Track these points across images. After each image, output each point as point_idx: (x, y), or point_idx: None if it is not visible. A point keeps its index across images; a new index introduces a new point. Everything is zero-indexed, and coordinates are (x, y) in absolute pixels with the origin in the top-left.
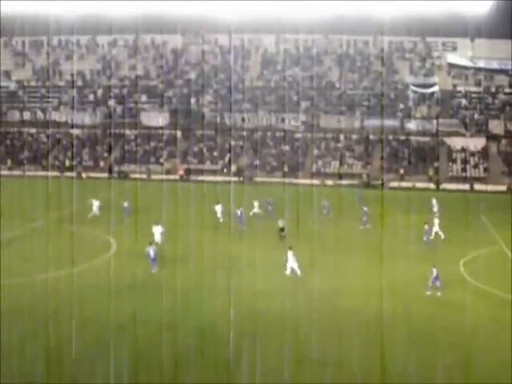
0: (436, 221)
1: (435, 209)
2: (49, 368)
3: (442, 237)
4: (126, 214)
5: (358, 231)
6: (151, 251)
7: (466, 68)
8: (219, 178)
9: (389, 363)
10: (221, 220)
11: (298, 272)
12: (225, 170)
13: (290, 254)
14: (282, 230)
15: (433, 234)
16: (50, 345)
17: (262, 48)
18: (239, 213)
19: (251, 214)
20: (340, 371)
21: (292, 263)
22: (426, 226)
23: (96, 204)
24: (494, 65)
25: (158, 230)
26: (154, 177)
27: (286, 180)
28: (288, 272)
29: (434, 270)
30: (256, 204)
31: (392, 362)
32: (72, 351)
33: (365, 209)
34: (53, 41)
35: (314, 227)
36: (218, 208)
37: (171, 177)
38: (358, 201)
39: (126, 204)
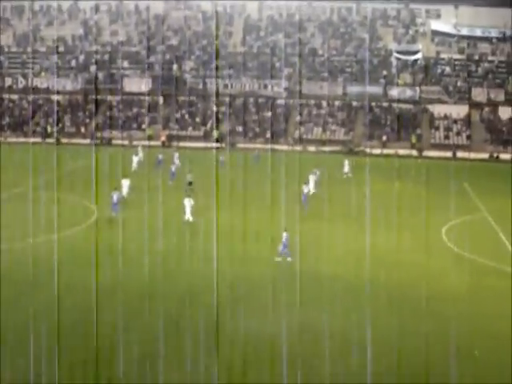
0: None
1: (346, 169)
2: (29, 334)
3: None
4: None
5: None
6: (114, 196)
7: (449, 35)
8: (201, 145)
9: (369, 331)
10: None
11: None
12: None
13: (284, 235)
14: (190, 184)
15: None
16: (30, 311)
17: (244, 14)
18: None
19: None
20: (320, 336)
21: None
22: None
23: (126, 184)
24: (478, 32)
25: (125, 183)
26: (135, 143)
27: (269, 146)
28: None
29: (285, 235)
30: None
31: (372, 330)
32: (53, 317)
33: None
34: (34, 6)
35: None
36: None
37: (153, 143)
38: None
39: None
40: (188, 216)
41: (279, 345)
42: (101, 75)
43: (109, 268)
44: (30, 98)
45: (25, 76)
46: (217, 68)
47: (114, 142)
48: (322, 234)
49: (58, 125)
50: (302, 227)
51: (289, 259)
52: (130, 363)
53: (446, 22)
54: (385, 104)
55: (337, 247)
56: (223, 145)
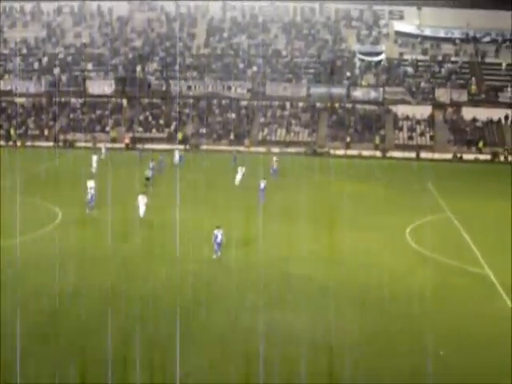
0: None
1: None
2: None
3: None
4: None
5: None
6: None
7: (412, 36)
8: (165, 147)
9: (335, 333)
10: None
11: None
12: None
13: (218, 232)
14: (148, 179)
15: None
16: None
17: (208, 15)
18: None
19: None
20: (286, 339)
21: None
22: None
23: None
24: (441, 33)
25: (90, 184)
26: (99, 145)
27: (232, 148)
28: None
29: (217, 233)
30: None
31: (335, 331)
32: (17, 320)
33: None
34: None
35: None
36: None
37: (117, 145)
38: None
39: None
40: (141, 213)
41: (240, 345)
42: (64, 77)
43: (72, 270)
44: None
45: None
46: (180, 70)
47: (77, 144)
48: (282, 235)
49: (21, 127)
50: (257, 228)
51: (214, 257)
52: (93, 365)
53: (409, 23)
54: (348, 105)
55: (299, 248)
56: (187, 146)
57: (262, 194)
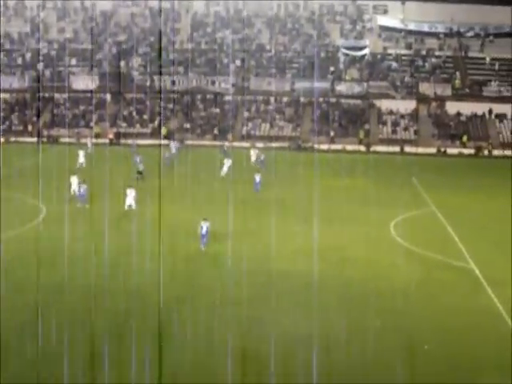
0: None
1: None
2: None
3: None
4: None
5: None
6: (81, 189)
7: (396, 31)
8: (149, 142)
9: (318, 329)
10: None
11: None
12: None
13: (204, 224)
14: (140, 173)
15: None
16: None
17: (192, 10)
18: None
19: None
20: (271, 335)
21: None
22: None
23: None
24: (425, 28)
25: (74, 181)
26: (83, 140)
27: (216, 143)
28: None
29: (203, 224)
30: None
31: (320, 327)
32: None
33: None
34: None
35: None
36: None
37: (100, 140)
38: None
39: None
40: (128, 204)
41: (225, 343)
42: (48, 73)
43: (56, 267)
44: None
45: None
46: (164, 65)
47: (61, 140)
48: (266, 229)
49: (4, 123)
50: (247, 224)
51: (202, 248)
52: (75, 363)
53: (393, 18)
54: (332, 100)
55: (280, 242)
56: (172, 141)
57: (257, 187)
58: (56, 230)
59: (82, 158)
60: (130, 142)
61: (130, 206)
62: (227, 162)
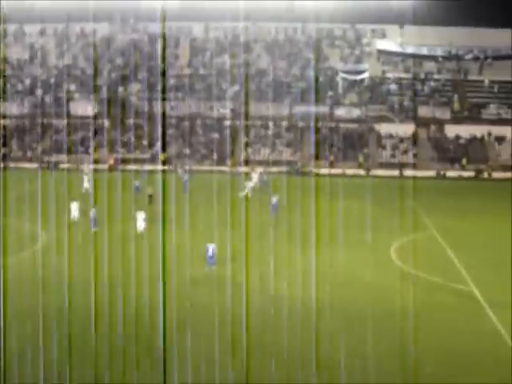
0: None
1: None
2: None
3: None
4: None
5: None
6: (91, 213)
7: (395, 54)
8: (149, 167)
9: (318, 354)
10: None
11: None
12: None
13: (210, 246)
14: (150, 196)
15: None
16: None
17: (190, 36)
18: None
19: None
20: (270, 361)
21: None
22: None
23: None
24: (424, 51)
25: (74, 206)
26: (82, 167)
27: (216, 168)
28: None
29: (210, 247)
30: None
31: (321, 353)
32: None
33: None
34: None
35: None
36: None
37: (100, 166)
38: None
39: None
40: (140, 227)
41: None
42: (47, 99)
43: (54, 293)
44: None
45: None
46: (163, 90)
47: (60, 166)
48: (267, 253)
49: (4, 149)
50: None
51: (206, 269)
52: None
53: (391, 41)
54: (331, 124)
55: (282, 267)
56: (171, 167)
57: (274, 209)
58: (55, 256)
59: (86, 183)
60: (130, 167)
61: (141, 228)
62: (248, 184)
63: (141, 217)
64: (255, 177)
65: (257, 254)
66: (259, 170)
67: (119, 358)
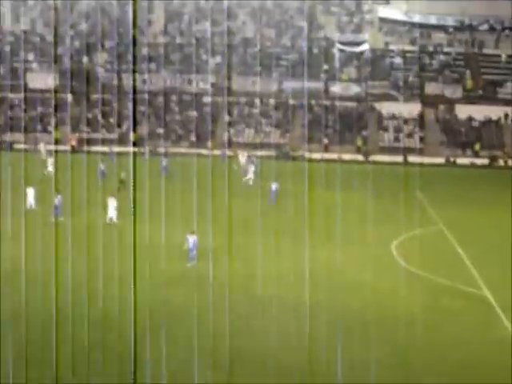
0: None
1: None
2: None
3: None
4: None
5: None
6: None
7: (399, 24)
8: (116, 149)
9: (312, 362)
10: None
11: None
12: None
13: (190, 237)
14: (122, 182)
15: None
16: None
17: None
18: None
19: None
20: (255, 367)
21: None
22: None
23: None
24: (432, 20)
25: (30, 192)
26: (38, 147)
27: (194, 151)
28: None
29: (190, 239)
30: None
31: (316, 361)
32: None
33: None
34: None
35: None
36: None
37: (61, 147)
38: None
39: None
40: (111, 216)
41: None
42: (1, 69)
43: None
44: None
45: None
46: (134, 61)
47: (16, 146)
48: (257, 249)
49: None
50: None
51: (188, 265)
52: None
53: (395, 9)
54: (326, 102)
55: (272, 264)
56: (142, 149)
57: (274, 196)
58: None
59: (50, 167)
60: (96, 148)
61: (113, 217)
62: (250, 168)
63: (112, 204)
64: (242, 160)
65: (245, 249)
66: (245, 153)
67: (83, 365)
